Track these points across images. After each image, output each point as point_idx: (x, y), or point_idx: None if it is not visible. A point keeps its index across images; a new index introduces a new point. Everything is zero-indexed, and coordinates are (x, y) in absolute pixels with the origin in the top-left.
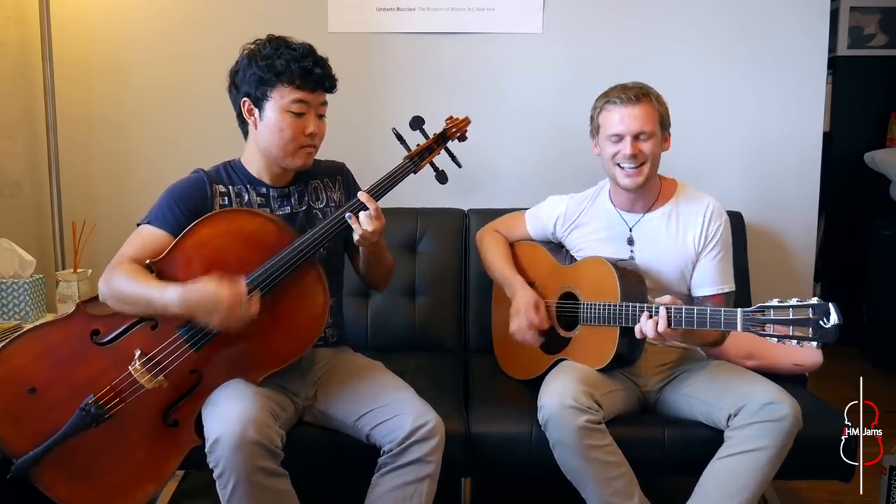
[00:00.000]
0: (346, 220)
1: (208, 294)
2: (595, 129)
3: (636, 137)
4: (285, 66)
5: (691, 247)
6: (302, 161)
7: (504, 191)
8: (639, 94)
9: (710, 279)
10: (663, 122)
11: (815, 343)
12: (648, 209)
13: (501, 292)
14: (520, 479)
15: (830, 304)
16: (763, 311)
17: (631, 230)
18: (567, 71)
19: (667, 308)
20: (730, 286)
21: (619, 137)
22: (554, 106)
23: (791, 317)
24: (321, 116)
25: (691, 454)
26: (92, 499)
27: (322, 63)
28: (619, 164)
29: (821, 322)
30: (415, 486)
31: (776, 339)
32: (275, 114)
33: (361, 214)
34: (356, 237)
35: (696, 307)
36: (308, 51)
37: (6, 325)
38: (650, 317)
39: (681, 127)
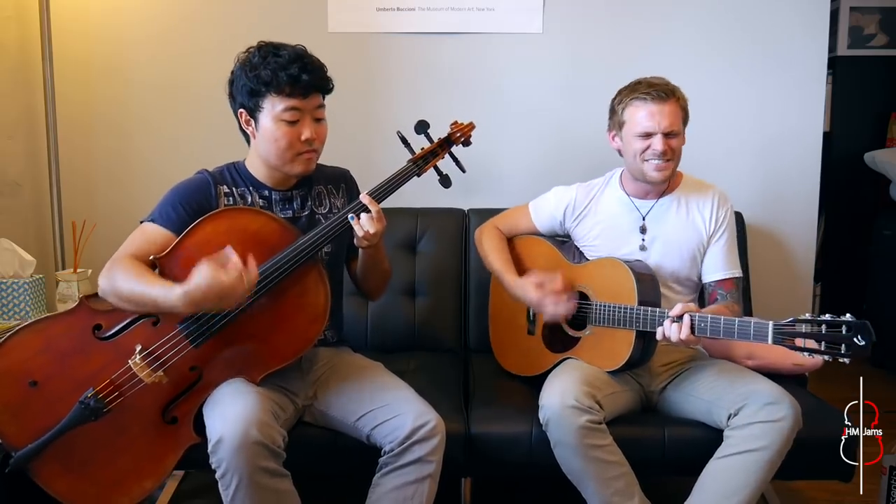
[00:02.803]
0: (349, 221)
1: (208, 281)
2: (618, 124)
3: (666, 135)
4: (272, 76)
5: (703, 231)
6: (302, 167)
7: (504, 191)
8: (667, 91)
9: (721, 264)
10: (685, 120)
11: (847, 359)
12: (660, 196)
13: (497, 289)
14: (520, 479)
15: (866, 322)
16: (794, 325)
17: (644, 218)
18: (567, 71)
19: (691, 315)
20: (739, 271)
21: (649, 135)
22: (554, 106)
23: (824, 332)
24: (319, 120)
25: (691, 454)
26: (89, 494)
27: (311, 67)
28: (647, 160)
29: (855, 339)
30: (416, 486)
31: (807, 354)
32: (269, 123)
33: (363, 216)
34: (356, 238)
35: (722, 317)
36: (296, 56)
37: (6, 325)
38: (673, 322)
39: None
